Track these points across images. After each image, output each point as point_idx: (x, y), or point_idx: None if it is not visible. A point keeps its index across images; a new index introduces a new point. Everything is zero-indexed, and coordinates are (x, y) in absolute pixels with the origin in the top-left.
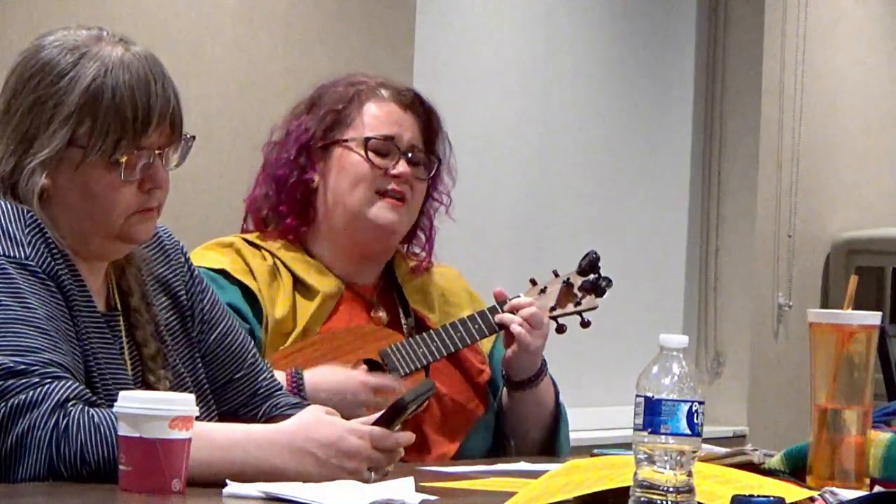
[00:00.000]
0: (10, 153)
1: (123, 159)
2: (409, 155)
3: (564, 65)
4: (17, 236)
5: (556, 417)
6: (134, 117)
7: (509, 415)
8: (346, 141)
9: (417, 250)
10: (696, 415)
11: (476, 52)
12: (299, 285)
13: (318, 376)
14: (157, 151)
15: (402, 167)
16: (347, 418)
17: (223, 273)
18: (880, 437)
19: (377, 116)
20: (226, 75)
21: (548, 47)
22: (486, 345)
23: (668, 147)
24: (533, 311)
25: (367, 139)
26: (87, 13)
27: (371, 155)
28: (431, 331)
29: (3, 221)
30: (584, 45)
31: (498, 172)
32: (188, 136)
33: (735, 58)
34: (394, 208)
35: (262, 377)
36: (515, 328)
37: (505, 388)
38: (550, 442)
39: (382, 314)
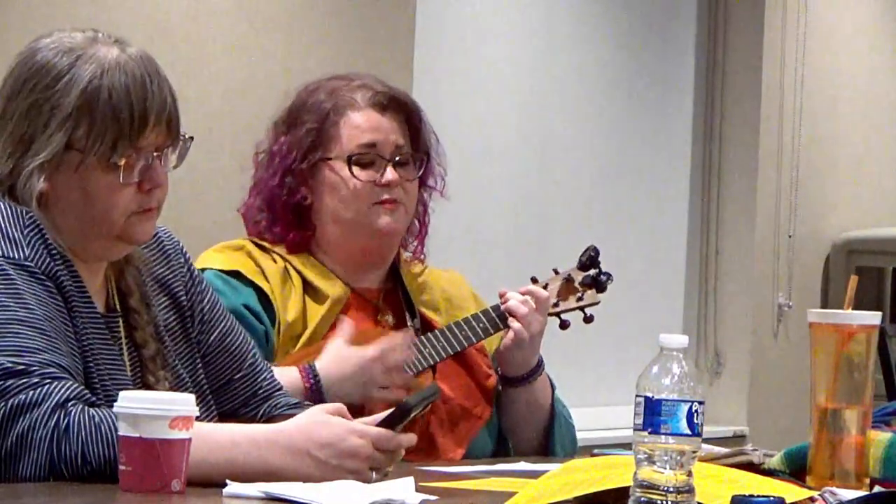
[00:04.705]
0: (8, 156)
1: (122, 161)
2: (397, 158)
3: (564, 64)
4: (17, 237)
5: (552, 418)
6: (130, 118)
7: (504, 413)
8: (329, 159)
9: (410, 238)
10: (696, 415)
11: (476, 52)
12: (309, 289)
13: (331, 369)
14: (155, 152)
15: (389, 175)
16: (369, 401)
17: (237, 275)
18: (880, 437)
19: (357, 126)
20: (226, 75)
21: (548, 47)
22: (489, 348)
23: (668, 147)
24: (543, 292)
25: (350, 156)
26: (88, 15)
27: (356, 170)
28: (437, 330)
29: (2, 223)
30: (584, 46)
31: (498, 173)
32: (186, 136)
33: (735, 58)
34: (390, 212)
35: (261, 377)
36: (520, 308)
37: (500, 387)
38: (545, 442)
39: (389, 317)
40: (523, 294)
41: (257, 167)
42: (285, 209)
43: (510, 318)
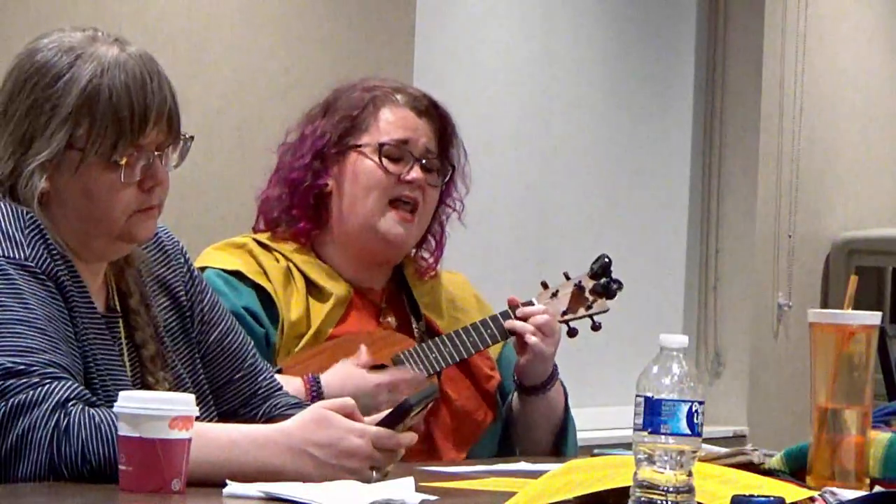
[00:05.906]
0: (9, 156)
1: (123, 160)
2: (423, 161)
3: (564, 65)
4: (17, 237)
5: (565, 422)
6: (131, 117)
7: (519, 420)
8: (360, 146)
9: (426, 255)
10: (696, 415)
11: (476, 51)
12: (312, 288)
13: (335, 385)
14: (155, 151)
15: (415, 173)
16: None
17: (238, 275)
18: (880, 437)
19: (392, 122)
20: (226, 75)
21: (547, 47)
22: (494, 350)
23: (668, 147)
24: (546, 318)
25: (382, 145)
26: (88, 14)
27: (385, 161)
28: (443, 336)
29: (2, 223)
30: (584, 46)
31: (498, 173)
32: (187, 135)
33: (735, 58)
34: (403, 222)
35: (261, 377)
36: (530, 338)
37: (515, 394)
38: (558, 446)
39: (391, 319)
40: (530, 317)
41: (281, 157)
42: (306, 194)
43: (527, 339)
